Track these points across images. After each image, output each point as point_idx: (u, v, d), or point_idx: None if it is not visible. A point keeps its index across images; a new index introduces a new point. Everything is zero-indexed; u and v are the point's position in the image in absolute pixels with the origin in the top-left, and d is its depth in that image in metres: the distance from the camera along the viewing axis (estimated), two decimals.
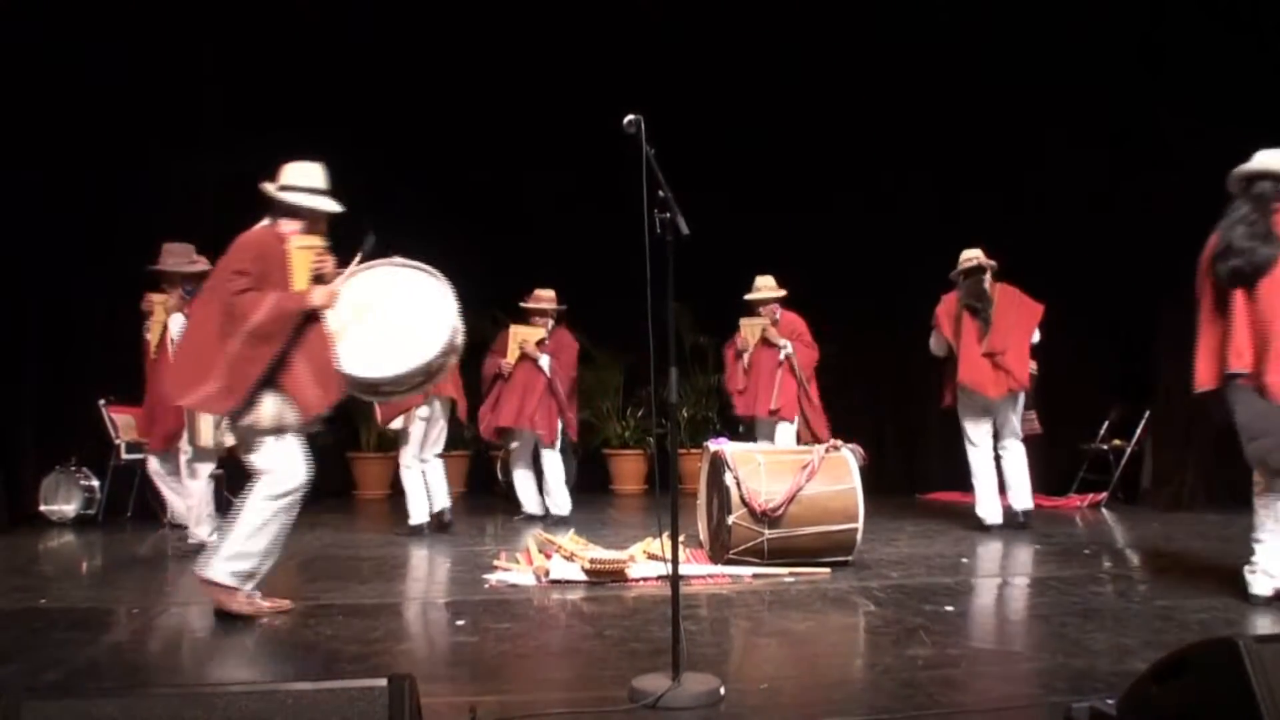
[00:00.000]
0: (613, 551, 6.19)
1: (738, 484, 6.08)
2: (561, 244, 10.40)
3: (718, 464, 6.34)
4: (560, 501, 8.98)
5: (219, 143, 9.72)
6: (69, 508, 8.67)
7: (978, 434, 7.89)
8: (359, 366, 5.17)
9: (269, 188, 5.18)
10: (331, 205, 5.23)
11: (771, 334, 8.83)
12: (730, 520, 6.06)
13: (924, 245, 9.76)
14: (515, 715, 3.38)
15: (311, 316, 5.02)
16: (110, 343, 8.91)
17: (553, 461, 8.96)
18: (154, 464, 7.62)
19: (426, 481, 8.11)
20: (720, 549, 6.27)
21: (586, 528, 7.40)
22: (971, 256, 7.89)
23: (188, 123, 9.56)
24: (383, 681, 2.37)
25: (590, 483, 11.16)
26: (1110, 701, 3.00)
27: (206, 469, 7.23)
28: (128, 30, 8.90)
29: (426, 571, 6.33)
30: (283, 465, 4.98)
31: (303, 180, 5.21)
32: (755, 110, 10.56)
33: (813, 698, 3.65)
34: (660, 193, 3.81)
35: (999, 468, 7.96)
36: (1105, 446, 9.66)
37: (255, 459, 5.01)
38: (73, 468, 8.70)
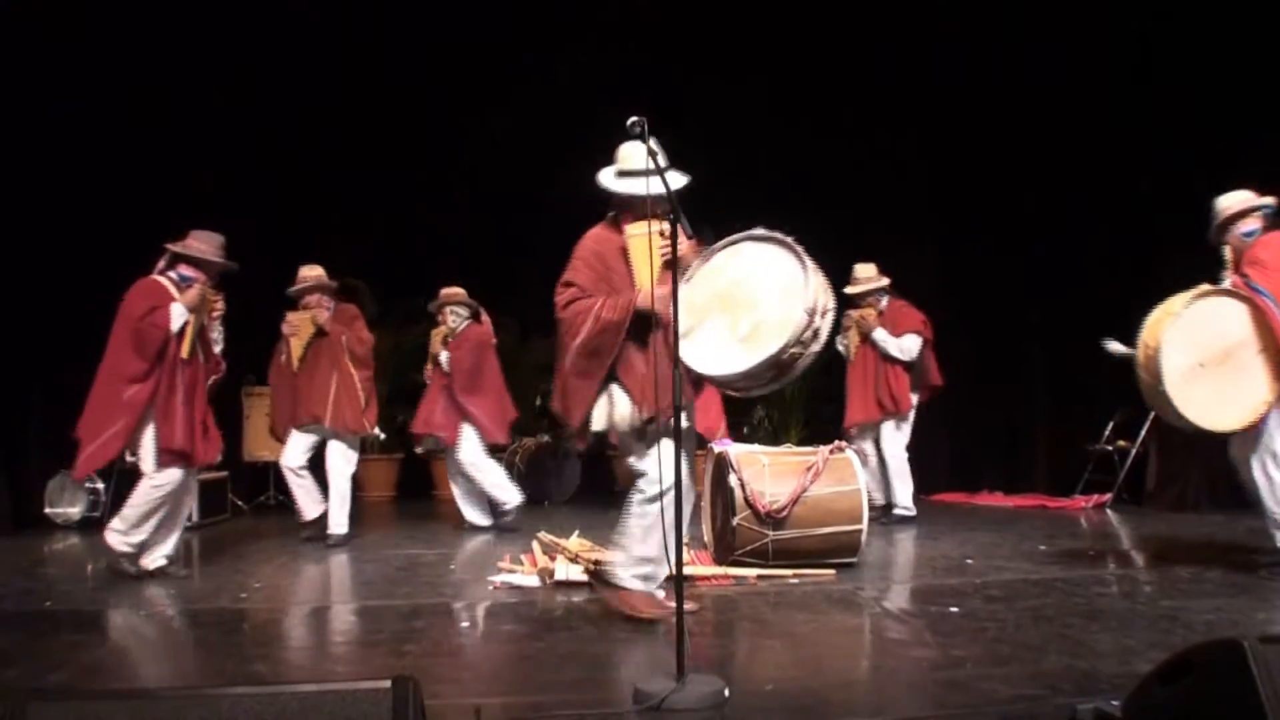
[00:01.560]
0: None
1: (742, 485, 6.08)
2: (566, 244, 10.38)
3: (722, 465, 6.33)
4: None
5: (224, 141, 9.75)
6: (74, 510, 8.68)
7: None
8: (706, 363, 4.43)
9: (603, 178, 4.87)
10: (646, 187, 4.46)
11: None
12: (735, 521, 6.06)
13: (931, 246, 9.78)
14: (520, 717, 3.38)
15: (646, 318, 4.61)
16: None
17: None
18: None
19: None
20: (725, 550, 6.27)
21: (591, 530, 7.38)
22: (872, 274, 8.56)
23: (194, 121, 9.58)
24: (387, 683, 2.37)
25: (595, 484, 11.15)
26: (1115, 703, 3.00)
27: None
28: (132, 29, 8.92)
29: (430, 573, 6.32)
30: (653, 466, 4.64)
31: (626, 164, 4.80)
32: (763, 111, 10.55)
33: (818, 699, 3.64)
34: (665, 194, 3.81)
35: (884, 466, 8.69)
36: (1110, 447, 9.64)
37: (631, 461, 4.84)
38: None
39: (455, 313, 8.53)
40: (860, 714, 3.50)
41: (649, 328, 4.61)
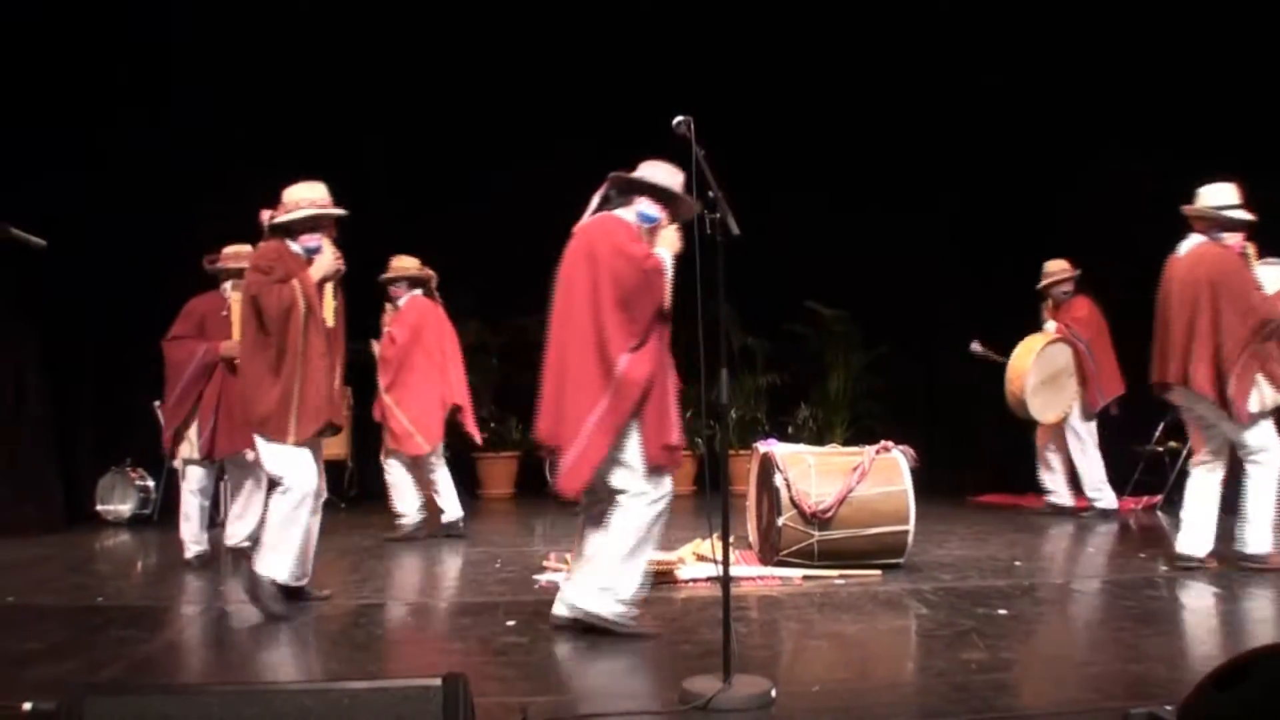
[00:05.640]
0: (662, 553, 6.18)
1: (788, 485, 6.05)
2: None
3: (768, 465, 6.31)
4: None
5: (258, 137, 9.84)
6: (124, 507, 8.77)
7: None
8: None
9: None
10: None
11: None
12: (780, 522, 6.03)
13: (976, 244, 9.70)
14: (566, 716, 3.38)
15: None
16: None
17: None
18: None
19: None
20: (770, 550, 6.25)
21: None
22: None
23: (240, 123, 9.68)
24: (437, 680, 2.39)
25: None
26: (1169, 708, 2.95)
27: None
28: (166, 34, 9.06)
29: (476, 573, 6.35)
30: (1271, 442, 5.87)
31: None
32: (804, 112, 10.52)
33: (864, 701, 3.63)
34: (710, 193, 3.81)
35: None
36: (1160, 449, 9.49)
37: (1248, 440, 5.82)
38: (128, 468, 8.80)
39: None
40: (907, 716, 3.49)
41: None
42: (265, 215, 5.34)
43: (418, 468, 7.89)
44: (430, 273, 8.07)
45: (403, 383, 7.74)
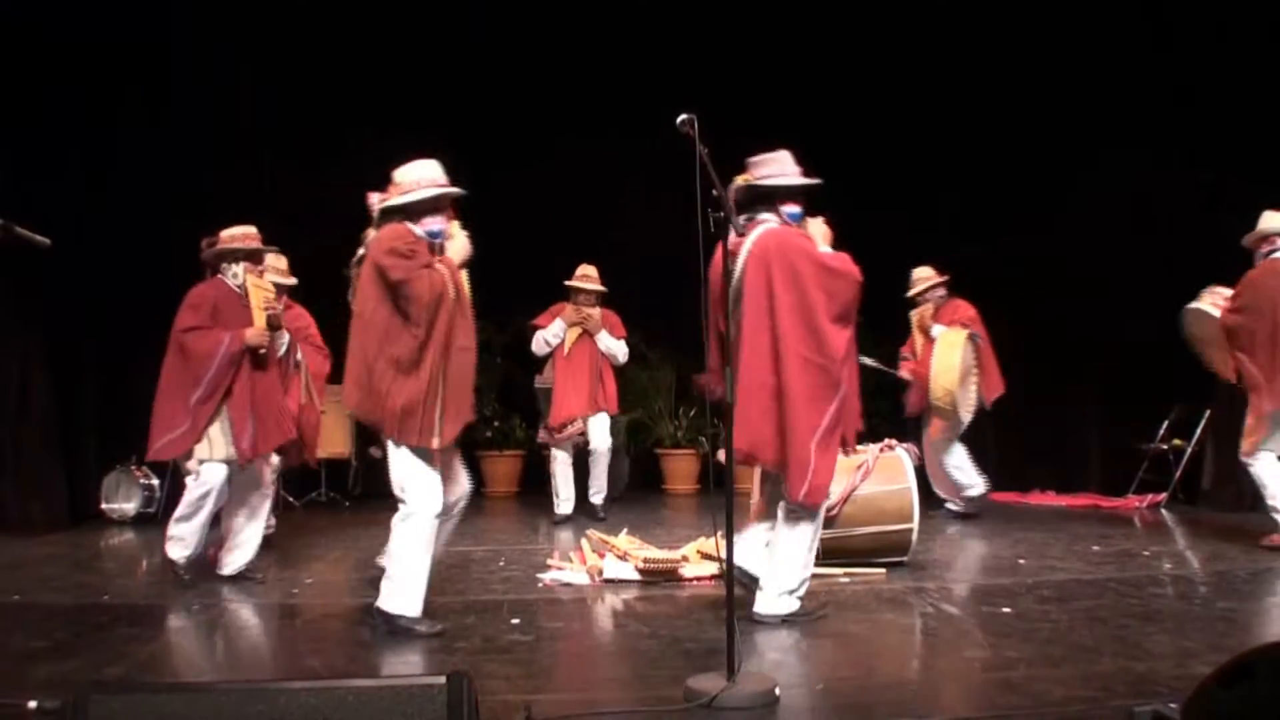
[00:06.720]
0: (666, 551, 6.19)
1: None
2: (615, 242, 10.41)
3: None
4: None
5: (264, 135, 9.86)
6: (129, 506, 8.77)
7: None
8: None
9: None
10: None
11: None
12: None
13: (980, 240, 9.69)
14: (570, 714, 3.38)
15: None
16: None
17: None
18: None
19: None
20: None
21: (640, 527, 7.39)
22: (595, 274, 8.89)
23: (245, 122, 9.70)
24: (441, 679, 2.39)
25: (643, 482, 11.15)
26: (1173, 706, 2.95)
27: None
28: (166, 33, 9.07)
29: (481, 571, 6.35)
30: None
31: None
32: (808, 111, 10.51)
33: (869, 699, 3.63)
34: (714, 191, 3.81)
35: None
36: (1165, 446, 9.49)
37: None
38: (133, 467, 8.81)
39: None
40: (912, 714, 3.48)
41: None
42: (374, 199, 4.91)
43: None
44: (292, 280, 7.51)
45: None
